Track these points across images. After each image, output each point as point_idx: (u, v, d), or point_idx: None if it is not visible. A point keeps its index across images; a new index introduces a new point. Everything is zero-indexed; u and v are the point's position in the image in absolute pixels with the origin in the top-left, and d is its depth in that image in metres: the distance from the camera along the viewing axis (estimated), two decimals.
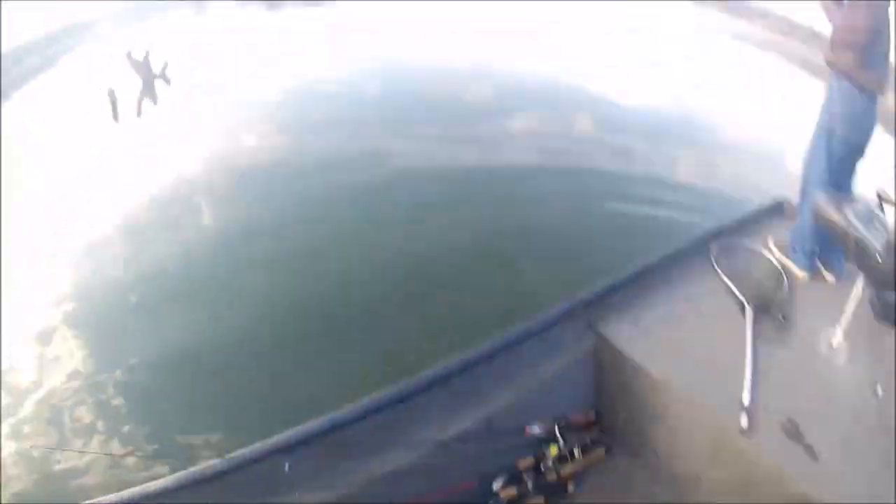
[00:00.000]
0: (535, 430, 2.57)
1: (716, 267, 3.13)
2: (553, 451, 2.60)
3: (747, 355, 2.61)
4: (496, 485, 2.51)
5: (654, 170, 6.47)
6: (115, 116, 6.67)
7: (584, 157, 6.40)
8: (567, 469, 2.64)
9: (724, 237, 3.32)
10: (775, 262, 3.22)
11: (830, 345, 2.76)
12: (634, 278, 3.07)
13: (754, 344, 2.68)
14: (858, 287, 2.62)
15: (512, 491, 2.50)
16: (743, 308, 2.91)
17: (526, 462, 2.59)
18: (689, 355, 2.67)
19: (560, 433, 2.67)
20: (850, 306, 2.66)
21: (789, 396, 2.45)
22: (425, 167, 5.45)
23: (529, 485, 2.55)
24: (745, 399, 2.40)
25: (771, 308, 2.86)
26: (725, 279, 3.05)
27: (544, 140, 6.65)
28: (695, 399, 2.49)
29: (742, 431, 2.28)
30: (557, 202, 5.51)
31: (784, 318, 2.85)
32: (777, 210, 3.75)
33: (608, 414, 2.86)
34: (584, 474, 2.71)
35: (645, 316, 2.90)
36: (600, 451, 2.77)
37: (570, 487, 2.64)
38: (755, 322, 2.81)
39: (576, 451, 2.67)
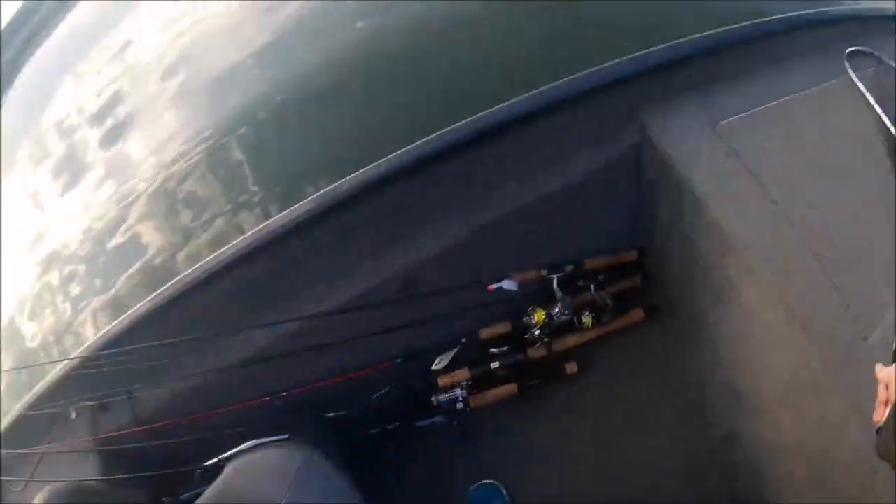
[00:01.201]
0: (507, 286, 1.49)
1: (850, 72, 1.61)
2: (539, 316, 1.53)
3: None
4: (438, 363, 1.57)
5: None
6: None
7: None
8: (567, 342, 1.60)
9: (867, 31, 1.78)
10: None
11: None
12: (718, 45, 1.66)
13: None
14: None
15: (462, 374, 1.56)
16: None
17: (494, 330, 1.58)
18: (799, 205, 1.33)
19: (566, 283, 1.57)
20: None
21: None
22: None
23: (496, 365, 1.57)
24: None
25: None
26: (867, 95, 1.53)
27: None
28: (785, 296, 1.22)
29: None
30: None
31: None
32: None
33: (657, 258, 1.65)
34: (601, 349, 1.66)
35: (728, 111, 1.50)
36: (636, 314, 1.65)
37: (571, 369, 1.63)
38: None
39: (586, 318, 1.58)
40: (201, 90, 3.77)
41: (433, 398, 1.56)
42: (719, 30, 1.76)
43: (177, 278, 1.47)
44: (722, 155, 1.44)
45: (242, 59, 3.68)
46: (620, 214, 1.63)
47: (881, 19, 2.02)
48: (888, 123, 1.53)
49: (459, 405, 1.56)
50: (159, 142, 3.61)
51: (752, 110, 1.56)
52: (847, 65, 1.74)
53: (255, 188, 2.92)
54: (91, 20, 5.70)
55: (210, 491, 1.18)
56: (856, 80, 1.65)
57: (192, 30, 4.25)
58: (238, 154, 3.17)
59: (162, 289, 1.47)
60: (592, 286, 1.59)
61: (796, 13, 2.03)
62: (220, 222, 2.91)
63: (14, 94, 5.70)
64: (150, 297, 1.48)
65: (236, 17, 4.13)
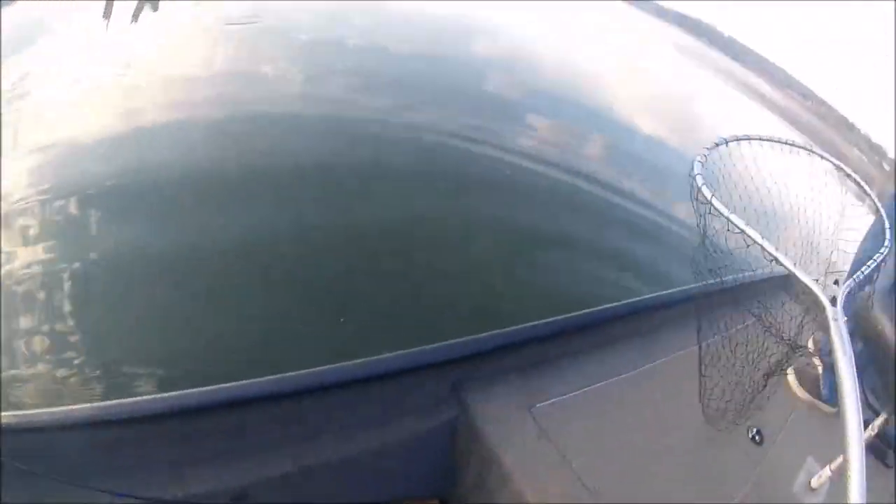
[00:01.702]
0: None
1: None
2: None
3: None
4: None
5: None
6: (108, 15, 6.02)
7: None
8: None
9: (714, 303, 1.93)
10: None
11: (809, 485, 1.88)
12: (545, 333, 1.97)
13: None
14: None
15: None
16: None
17: None
18: (602, 480, 1.62)
19: None
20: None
21: None
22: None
23: None
24: None
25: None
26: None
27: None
28: None
29: None
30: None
31: (758, 437, 1.92)
32: (779, 283, 2.53)
33: None
34: None
35: (545, 395, 1.82)
36: None
37: None
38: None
39: None
40: (66, 148, 3.65)
41: None
42: (547, 320, 2.01)
43: (45, 410, 1.42)
44: (533, 436, 1.67)
45: (103, 137, 3.74)
46: (429, 470, 1.84)
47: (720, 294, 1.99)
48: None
49: None
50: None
51: (569, 394, 1.83)
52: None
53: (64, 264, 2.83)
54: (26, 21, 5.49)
55: None
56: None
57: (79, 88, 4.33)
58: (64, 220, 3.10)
59: (22, 413, 1.42)
60: None
61: (627, 301, 2.35)
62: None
63: None
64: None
65: (118, 97, 4.27)
